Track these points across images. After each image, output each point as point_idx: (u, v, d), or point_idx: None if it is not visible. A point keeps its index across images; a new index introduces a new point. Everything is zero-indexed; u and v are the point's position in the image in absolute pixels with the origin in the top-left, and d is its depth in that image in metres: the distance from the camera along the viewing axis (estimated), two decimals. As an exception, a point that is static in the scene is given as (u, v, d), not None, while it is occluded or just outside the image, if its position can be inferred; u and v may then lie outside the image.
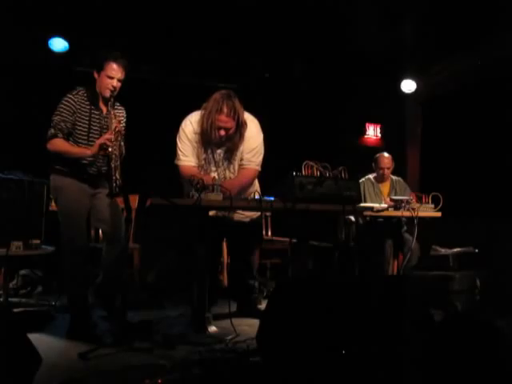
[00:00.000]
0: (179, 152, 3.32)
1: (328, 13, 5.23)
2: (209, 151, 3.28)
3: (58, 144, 3.01)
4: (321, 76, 5.87)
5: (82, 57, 4.78)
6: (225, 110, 3.12)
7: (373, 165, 4.77)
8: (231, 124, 3.16)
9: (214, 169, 3.33)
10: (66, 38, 4.79)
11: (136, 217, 3.96)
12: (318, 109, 5.95)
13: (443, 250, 4.41)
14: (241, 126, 3.21)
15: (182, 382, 2.21)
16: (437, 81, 5.89)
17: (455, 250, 4.35)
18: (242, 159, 3.35)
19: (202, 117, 3.19)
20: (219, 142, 3.23)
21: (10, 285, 3.98)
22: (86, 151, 3.03)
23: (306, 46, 5.47)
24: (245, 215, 3.50)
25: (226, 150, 3.30)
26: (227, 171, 3.35)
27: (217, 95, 3.17)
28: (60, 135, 3.00)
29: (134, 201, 4.10)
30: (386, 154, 4.74)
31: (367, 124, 6.64)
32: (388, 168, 4.67)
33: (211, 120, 3.14)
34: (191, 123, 3.28)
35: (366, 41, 5.48)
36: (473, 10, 4.84)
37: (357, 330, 2.06)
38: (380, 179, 4.74)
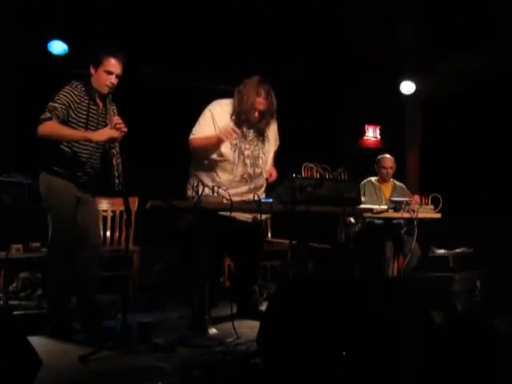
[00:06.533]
0: (197, 129, 3.39)
1: (328, 13, 5.25)
2: (244, 130, 3.41)
3: (53, 126, 2.86)
4: (320, 77, 5.87)
5: (82, 59, 4.79)
6: (263, 93, 3.31)
7: (375, 166, 4.81)
8: (266, 106, 3.35)
9: (247, 146, 3.44)
10: (65, 40, 4.79)
11: (136, 218, 3.96)
12: (318, 110, 5.96)
13: (441, 251, 4.41)
14: (273, 108, 3.40)
15: (182, 385, 2.21)
16: (436, 82, 5.89)
17: (453, 251, 4.35)
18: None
19: (239, 99, 3.34)
20: (254, 122, 3.40)
21: (10, 287, 3.98)
22: (89, 135, 2.93)
23: (306, 47, 5.48)
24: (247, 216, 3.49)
25: (257, 130, 3.46)
26: (261, 151, 3.49)
27: (253, 80, 3.36)
28: (55, 119, 2.87)
29: (134, 203, 4.10)
30: (387, 155, 4.81)
31: (367, 125, 6.64)
32: (391, 168, 4.73)
33: (251, 102, 3.31)
34: (221, 106, 3.42)
35: (365, 42, 5.49)
36: (473, 11, 4.85)
37: (357, 331, 2.06)
38: (382, 180, 4.78)
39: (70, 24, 4.72)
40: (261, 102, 3.32)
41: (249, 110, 3.32)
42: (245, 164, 3.42)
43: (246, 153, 3.43)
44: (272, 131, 3.55)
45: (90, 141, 2.97)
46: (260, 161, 3.48)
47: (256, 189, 3.48)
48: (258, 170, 3.47)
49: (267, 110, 3.37)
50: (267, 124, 3.45)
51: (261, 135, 3.49)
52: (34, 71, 4.76)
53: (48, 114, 2.87)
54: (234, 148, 3.40)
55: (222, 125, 3.34)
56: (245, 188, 3.44)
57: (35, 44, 4.77)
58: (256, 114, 3.34)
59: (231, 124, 3.36)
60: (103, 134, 2.92)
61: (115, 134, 2.92)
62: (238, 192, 3.39)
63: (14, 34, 4.69)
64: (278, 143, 3.69)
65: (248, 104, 3.31)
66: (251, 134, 3.45)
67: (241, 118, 3.35)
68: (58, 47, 4.78)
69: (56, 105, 2.90)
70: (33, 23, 4.69)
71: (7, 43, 4.66)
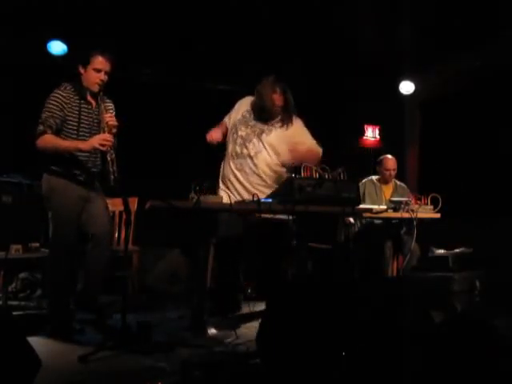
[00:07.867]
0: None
1: (327, 13, 5.25)
2: (252, 116, 3.58)
3: (48, 140, 2.97)
4: (320, 77, 5.88)
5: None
6: (278, 90, 3.50)
7: (376, 167, 4.77)
8: (282, 102, 3.52)
9: (243, 128, 3.56)
10: (65, 40, 4.79)
11: (136, 219, 3.96)
12: (317, 110, 5.95)
13: (441, 251, 4.41)
14: (289, 106, 3.56)
15: (181, 385, 2.22)
16: (435, 82, 5.89)
17: (453, 251, 4.35)
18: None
19: (258, 96, 3.54)
20: (276, 115, 3.55)
21: (10, 288, 3.98)
22: (79, 145, 3.01)
23: (306, 47, 5.48)
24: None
25: (265, 119, 3.59)
26: (256, 138, 3.53)
27: (269, 79, 3.54)
28: (49, 132, 2.96)
29: (134, 203, 4.10)
30: (390, 156, 4.75)
31: (366, 125, 6.63)
32: (393, 170, 4.70)
33: (270, 98, 3.48)
34: (244, 100, 3.67)
35: (365, 42, 5.50)
36: (472, 11, 4.86)
37: (356, 331, 2.06)
38: (384, 181, 4.76)
39: (69, 24, 4.72)
40: (277, 98, 3.48)
41: (269, 105, 3.48)
42: (235, 142, 3.53)
43: (240, 133, 3.53)
44: (290, 129, 3.58)
45: (80, 151, 3.03)
46: (251, 145, 3.50)
47: (247, 174, 3.49)
48: (244, 151, 3.50)
49: (285, 107, 3.52)
50: (282, 120, 3.57)
51: (266, 125, 3.55)
52: (34, 71, 4.76)
53: (41, 128, 2.97)
54: (232, 127, 3.58)
55: (235, 115, 3.61)
56: (232, 166, 3.53)
57: (35, 44, 4.78)
58: (277, 109, 3.50)
59: (246, 116, 3.58)
60: (88, 144, 3.00)
61: (101, 139, 2.96)
62: (229, 171, 3.53)
63: (14, 34, 4.69)
64: (303, 137, 3.71)
65: (268, 100, 3.48)
66: (254, 121, 3.55)
67: (264, 111, 3.51)
68: (57, 47, 4.79)
69: (45, 115, 2.99)
70: (32, 23, 4.69)
71: (7, 43, 4.66)
